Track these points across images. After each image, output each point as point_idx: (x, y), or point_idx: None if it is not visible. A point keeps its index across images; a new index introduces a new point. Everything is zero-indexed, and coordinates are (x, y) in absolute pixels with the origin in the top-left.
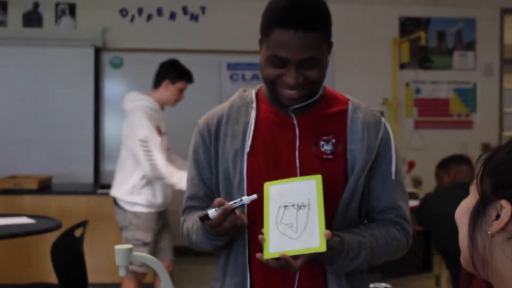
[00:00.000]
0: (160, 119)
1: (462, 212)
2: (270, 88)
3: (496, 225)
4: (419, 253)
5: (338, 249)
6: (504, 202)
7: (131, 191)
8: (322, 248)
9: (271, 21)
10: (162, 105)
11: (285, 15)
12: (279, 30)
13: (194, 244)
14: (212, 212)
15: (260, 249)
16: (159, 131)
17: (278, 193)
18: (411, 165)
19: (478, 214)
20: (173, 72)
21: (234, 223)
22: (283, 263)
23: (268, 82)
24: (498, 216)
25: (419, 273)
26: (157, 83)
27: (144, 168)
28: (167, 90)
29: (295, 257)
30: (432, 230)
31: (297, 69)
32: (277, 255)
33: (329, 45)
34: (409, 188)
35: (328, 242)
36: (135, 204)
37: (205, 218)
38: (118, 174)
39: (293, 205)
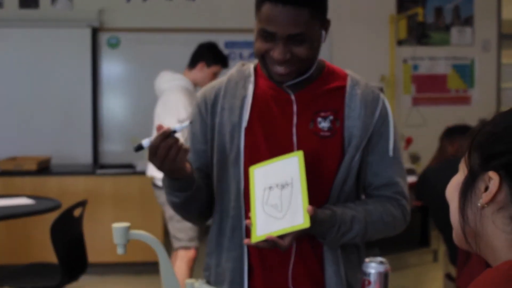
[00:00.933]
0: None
1: (452, 189)
2: (261, 63)
3: (486, 197)
4: (417, 228)
5: (330, 222)
6: (492, 174)
7: None
8: (306, 224)
9: None
10: (195, 87)
11: None
12: (269, 4)
13: (170, 206)
14: (145, 141)
15: None
16: None
17: (262, 175)
18: (409, 141)
19: (467, 188)
20: (210, 55)
21: (170, 145)
22: (272, 244)
23: (258, 56)
24: (487, 188)
25: (417, 248)
26: (192, 64)
27: None
28: (202, 72)
29: (283, 236)
30: (431, 204)
31: (285, 44)
32: (263, 238)
33: (324, 22)
34: (407, 164)
35: (318, 215)
36: None
37: (138, 148)
38: None
39: (277, 185)
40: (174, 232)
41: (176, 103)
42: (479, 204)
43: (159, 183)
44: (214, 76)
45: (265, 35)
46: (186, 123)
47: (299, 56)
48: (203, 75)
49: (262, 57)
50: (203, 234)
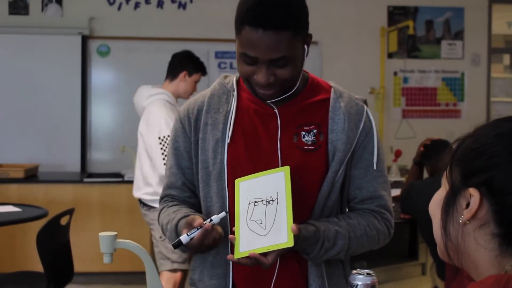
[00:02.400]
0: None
1: (435, 205)
2: (247, 84)
3: (467, 214)
4: (405, 241)
5: (313, 239)
6: (472, 190)
7: (153, 190)
8: (290, 243)
9: (242, 19)
10: (177, 98)
11: (254, 14)
12: (248, 28)
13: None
14: (185, 238)
15: None
16: None
17: (248, 189)
18: (398, 153)
19: (449, 205)
20: (191, 64)
21: (214, 238)
22: (254, 261)
23: (243, 78)
24: (468, 205)
25: (405, 261)
26: (173, 75)
27: (159, 169)
28: (184, 82)
29: (266, 253)
30: (417, 218)
31: (268, 68)
32: (246, 254)
33: (306, 38)
34: (396, 177)
35: (300, 232)
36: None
37: (179, 244)
38: (137, 174)
39: (262, 201)
40: (166, 253)
41: (157, 119)
42: (460, 221)
43: (149, 203)
44: (195, 84)
45: (246, 59)
46: (223, 214)
47: (282, 78)
48: (186, 85)
49: (246, 79)
50: None
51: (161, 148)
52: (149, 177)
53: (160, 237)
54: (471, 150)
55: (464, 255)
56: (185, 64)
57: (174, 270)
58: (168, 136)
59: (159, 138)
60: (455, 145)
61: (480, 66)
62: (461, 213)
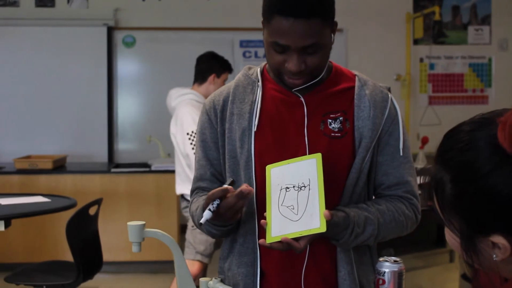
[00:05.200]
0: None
1: (453, 246)
2: (276, 73)
3: (501, 255)
4: (433, 229)
5: (343, 225)
6: (495, 238)
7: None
8: (322, 228)
9: (271, 8)
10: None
11: (284, 3)
12: (279, 17)
13: (197, 227)
14: (207, 214)
15: None
16: None
17: (279, 175)
18: (425, 141)
19: (470, 253)
20: (218, 66)
21: (238, 206)
22: (286, 246)
23: (273, 68)
24: (494, 243)
25: (433, 249)
26: (202, 78)
27: (194, 165)
28: (214, 83)
29: (298, 238)
30: None
31: (299, 55)
32: (279, 239)
33: (333, 26)
34: (422, 164)
35: (332, 218)
36: None
37: (202, 223)
38: (177, 171)
39: (294, 187)
40: (194, 242)
41: (184, 117)
42: (495, 259)
43: (188, 197)
44: (224, 83)
45: (277, 47)
46: (229, 180)
47: (313, 65)
48: (216, 86)
49: (276, 68)
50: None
51: (191, 143)
52: (188, 174)
53: (192, 226)
54: (469, 195)
55: (501, 273)
56: (213, 67)
57: (197, 261)
58: (195, 130)
59: (187, 134)
60: (430, 180)
61: (508, 51)
62: (490, 252)
